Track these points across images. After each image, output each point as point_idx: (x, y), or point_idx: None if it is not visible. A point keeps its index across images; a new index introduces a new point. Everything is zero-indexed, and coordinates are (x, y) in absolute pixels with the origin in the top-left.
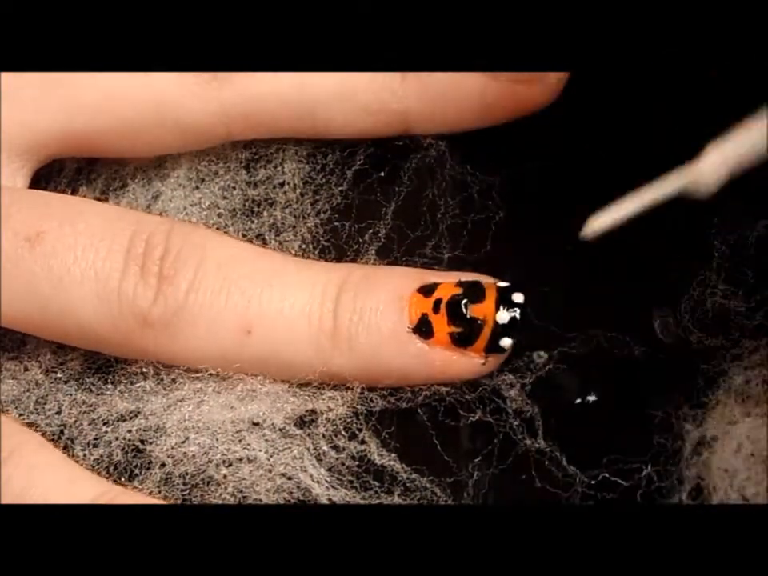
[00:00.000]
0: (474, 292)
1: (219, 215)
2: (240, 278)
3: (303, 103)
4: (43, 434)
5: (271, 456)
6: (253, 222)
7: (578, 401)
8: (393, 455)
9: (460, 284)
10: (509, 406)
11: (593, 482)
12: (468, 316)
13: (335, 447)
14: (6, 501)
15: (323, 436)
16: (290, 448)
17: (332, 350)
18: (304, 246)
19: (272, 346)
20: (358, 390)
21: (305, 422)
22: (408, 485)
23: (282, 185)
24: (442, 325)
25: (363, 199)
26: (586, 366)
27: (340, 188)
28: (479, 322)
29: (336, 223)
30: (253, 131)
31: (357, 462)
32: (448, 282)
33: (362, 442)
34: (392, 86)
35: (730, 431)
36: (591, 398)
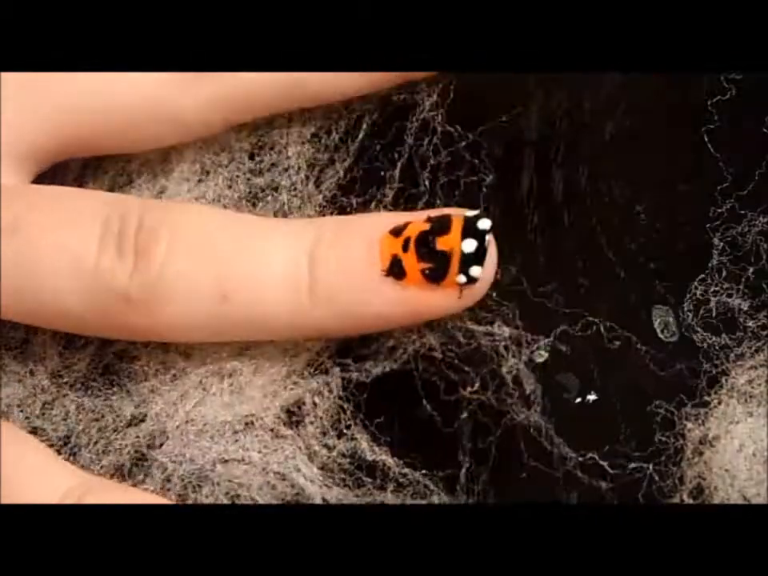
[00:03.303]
0: (441, 225)
1: (225, 206)
2: (214, 245)
3: (293, 79)
4: (49, 440)
5: (264, 456)
6: (258, 208)
7: (579, 400)
8: (384, 449)
9: (428, 219)
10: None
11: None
12: (435, 250)
13: (326, 446)
14: None
15: (313, 435)
16: (282, 448)
17: (310, 304)
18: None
19: (250, 309)
20: (340, 379)
21: (293, 421)
22: (401, 480)
23: (286, 169)
24: (412, 263)
25: (366, 171)
26: (586, 365)
27: (344, 164)
28: (446, 253)
29: (342, 199)
30: (249, 114)
31: (348, 459)
32: (418, 219)
33: (352, 438)
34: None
35: (731, 431)
36: (592, 397)
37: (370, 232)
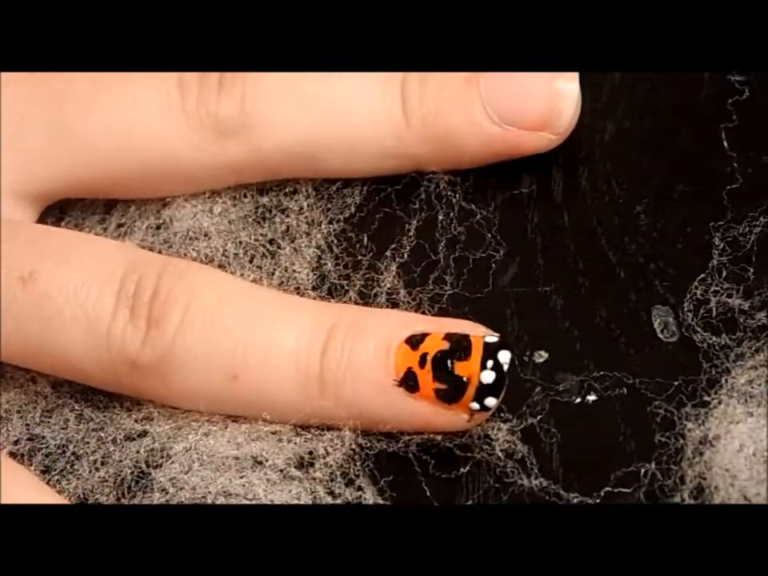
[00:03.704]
0: (460, 348)
1: (230, 222)
2: (227, 321)
3: (307, 153)
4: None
5: (270, 494)
6: (264, 227)
7: (578, 400)
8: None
9: (447, 337)
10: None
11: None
12: (453, 373)
13: (331, 493)
14: None
15: (320, 480)
16: (288, 489)
17: (319, 396)
18: (318, 253)
19: (259, 391)
20: (354, 436)
21: (303, 464)
22: None
23: (294, 192)
24: (427, 380)
25: (378, 209)
26: (586, 365)
27: (354, 198)
28: (464, 380)
29: (350, 234)
30: (259, 178)
31: None
32: (436, 333)
33: (359, 488)
34: (398, 133)
35: (732, 431)
36: (591, 397)
37: (386, 336)
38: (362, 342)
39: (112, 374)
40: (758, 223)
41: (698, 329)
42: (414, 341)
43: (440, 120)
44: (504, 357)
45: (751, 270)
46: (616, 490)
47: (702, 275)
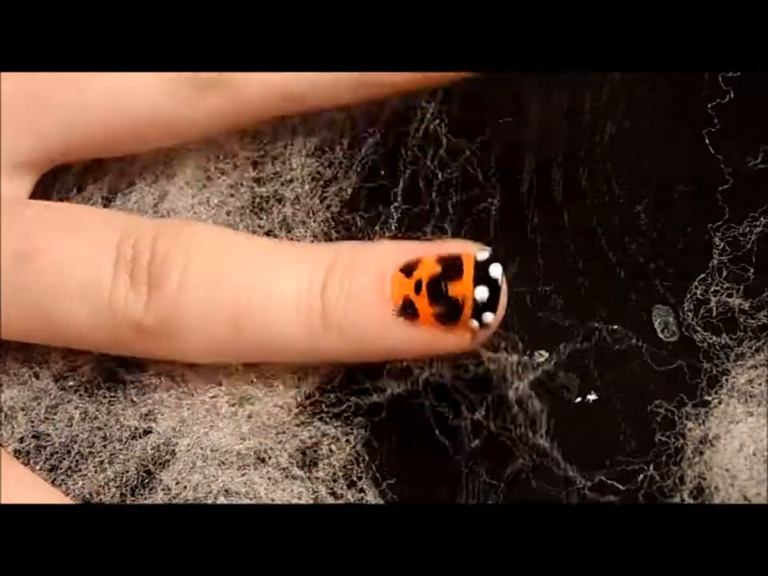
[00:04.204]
0: (452, 269)
1: (228, 213)
2: (226, 273)
3: (290, 95)
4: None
5: (271, 493)
6: (262, 218)
7: (579, 399)
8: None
9: (440, 260)
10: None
11: (590, 484)
12: (447, 295)
13: (333, 493)
14: None
15: (323, 480)
16: (290, 489)
17: (323, 334)
18: (315, 242)
19: (264, 337)
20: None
21: (306, 463)
22: None
23: (290, 181)
24: (425, 306)
25: (371, 187)
26: (586, 364)
27: (348, 180)
28: (459, 300)
29: (347, 216)
30: (245, 124)
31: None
32: (428, 257)
33: (361, 490)
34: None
35: (732, 430)
36: (592, 396)
37: (381, 268)
38: (359, 276)
39: (119, 340)
40: (758, 223)
41: (699, 328)
42: (408, 269)
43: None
44: (495, 271)
45: (751, 270)
46: (610, 482)
47: (703, 275)
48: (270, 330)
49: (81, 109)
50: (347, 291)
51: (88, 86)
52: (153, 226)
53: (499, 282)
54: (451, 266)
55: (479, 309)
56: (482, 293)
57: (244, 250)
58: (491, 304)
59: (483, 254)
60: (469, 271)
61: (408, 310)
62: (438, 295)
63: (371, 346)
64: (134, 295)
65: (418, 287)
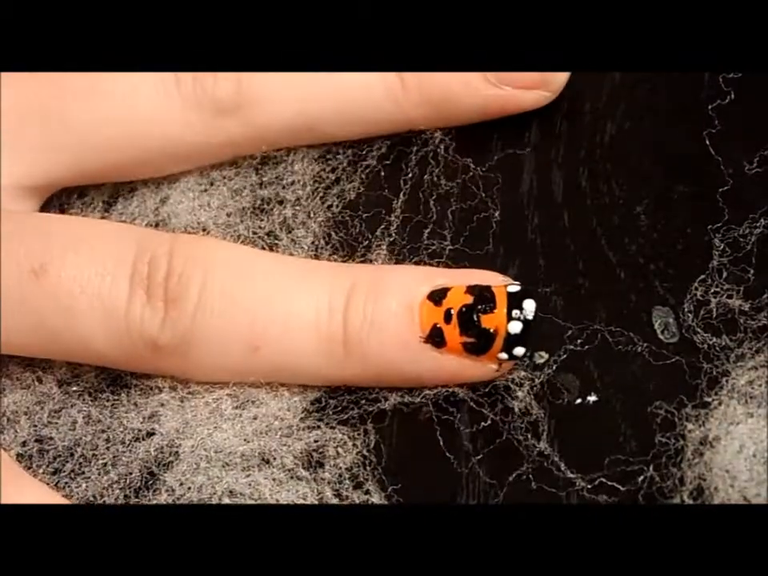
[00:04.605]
0: (484, 300)
1: (228, 214)
2: (244, 293)
3: (304, 125)
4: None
5: (276, 494)
6: (262, 220)
7: (579, 400)
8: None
9: (470, 290)
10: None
11: (590, 486)
12: (480, 326)
13: (338, 495)
14: None
15: (328, 482)
16: (295, 489)
17: (344, 358)
18: (316, 243)
19: (282, 359)
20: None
21: (312, 464)
22: None
23: (291, 183)
24: (454, 335)
25: (372, 194)
26: (586, 366)
27: (351, 185)
28: (491, 332)
29: (347, 219)
30: (256, 150)
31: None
32: (457, 286)
33: (366, 492)
34: (395, 97)
35: (732, 432)
36: (592, 398)
37: (407, 294)
38: (383, 301)
39: (135, 357)
40: (758, 224)
41: (699, 330)
42: (437, 296)
43: (436, 82)
44: (529, 306)
45: (751, 271)
46: (611, 484)
47: (703, 276)
48: (288, 353)
49: (92, 137)
50: (371, 316)
51: (100, 114)
52: (167, 240)
53: (531, 316)
54: (483, 297)
55: (511, 342)
56: (515, 327)
57: (262, 268)
58: (522, 338)
59: (514, 287)
60: (502, 304)
61: (436, 339)
62: (470, 326)
63: (395, 373)
64: (151, 312)
65: (448, 316)
